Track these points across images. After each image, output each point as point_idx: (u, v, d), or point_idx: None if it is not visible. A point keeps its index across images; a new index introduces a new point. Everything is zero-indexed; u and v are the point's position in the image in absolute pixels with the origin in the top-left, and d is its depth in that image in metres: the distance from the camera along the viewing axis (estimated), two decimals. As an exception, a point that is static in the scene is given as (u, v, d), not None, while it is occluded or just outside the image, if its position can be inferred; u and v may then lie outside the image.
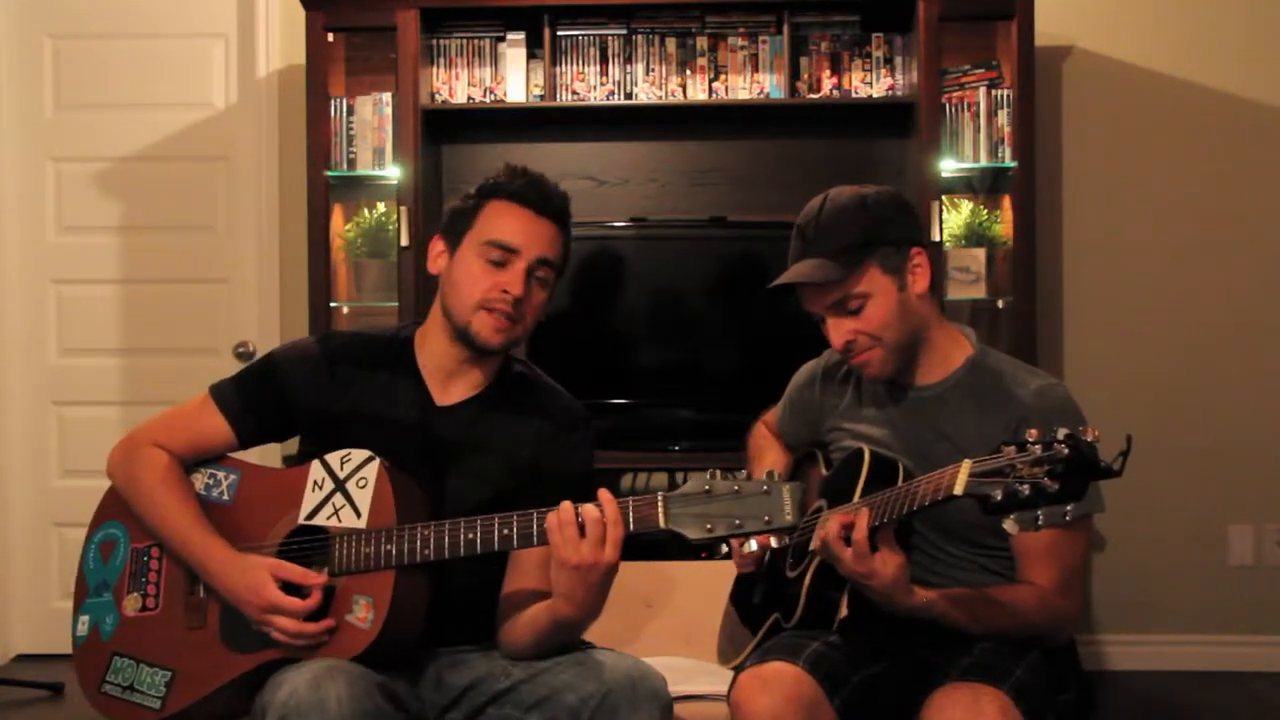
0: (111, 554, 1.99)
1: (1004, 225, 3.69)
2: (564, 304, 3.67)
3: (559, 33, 3.67)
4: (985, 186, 3.77)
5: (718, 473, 1.65)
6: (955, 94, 3.60)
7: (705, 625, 2.32)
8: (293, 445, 2.05)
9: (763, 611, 2.07)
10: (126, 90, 3.99)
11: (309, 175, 3.60)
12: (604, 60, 3.69)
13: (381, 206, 3.79)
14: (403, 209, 3.54)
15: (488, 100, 3.73)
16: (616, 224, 3.73)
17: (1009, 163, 3.56)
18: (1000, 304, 3.67)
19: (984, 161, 3.60)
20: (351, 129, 3.65)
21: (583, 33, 3.68)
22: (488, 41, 3.72)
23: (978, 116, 3.58)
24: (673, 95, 3.69)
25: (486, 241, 1.90)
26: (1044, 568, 1.84)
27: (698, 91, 3.69)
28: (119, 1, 3.99)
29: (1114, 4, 3.85)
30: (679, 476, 3.62)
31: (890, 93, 3.68)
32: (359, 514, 1.83)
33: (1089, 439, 1.46)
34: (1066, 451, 1.45)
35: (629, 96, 3.69)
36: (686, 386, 3.66)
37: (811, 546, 1.88)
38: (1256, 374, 3.84)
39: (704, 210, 3.80)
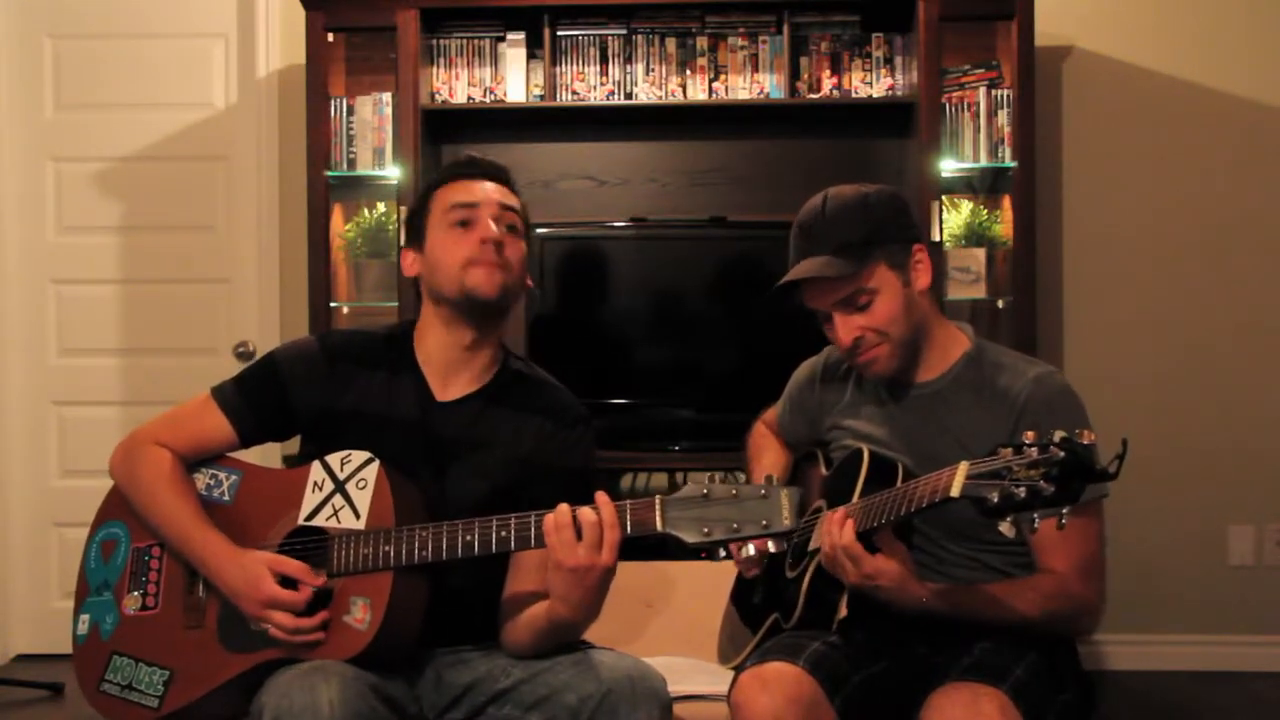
0: (113, 553, 2.00)
1: (1004, 225, 3.69)
2: (564, 304, 3.67)
3: (559, 33, 3.67)
4: (985, 186, 3.77)
5: (716, 476, 1.66)
6: (955, 94, 3.60)
7: (705, 625, 2.32)
8: (294, 445, 2.06)
9: (762, 612, 2.07)
10: (126, 90, 3.99)
11: (309, 175, 3.60)
12: (604, 60, 3.69)
13: (381, 206, 3.79)
14: (403, 209, 3.54)
15: (488, 100, 3.73)
16: (616, 224, 3.74)
17: (1009, 163, 3.56)
18: (1000, 304, 3.67)
19: (984, 161, 3.60)
20: (351, 129, 3.65)
21: (583, 33, 3.68)
22: (488, 41, 3.72)
23: (978, 116, 3.58)
24: (673, 95, 3.69)
25: (446, 211, 1.97)
26: (1060, 555, 1.84)
27: (698, 91, 3.69)
28: (119, 1, 3.99)
29: (1114, 4, 3.85)
30: (679, 476, 3.62)
31: (890, 93, 3.68)
32: (358, 515, 1.84)
33: (1085, 442, 1.46)
34: (1062, 454, 1.45)
35: (629, 96, 3.69)
36: (686, 386, 3.66)
37: (810, 547, 1.88)
38: (1257, 374, 3.84)
39: (704, 210, 3.80)
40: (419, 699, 1.88)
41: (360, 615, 1.78)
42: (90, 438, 3.88)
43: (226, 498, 1.96)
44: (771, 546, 1.64)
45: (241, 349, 3.92)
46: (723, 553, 1.69)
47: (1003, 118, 3.57)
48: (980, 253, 3.64)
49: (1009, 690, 1.70)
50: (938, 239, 3.49)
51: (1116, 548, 3.78)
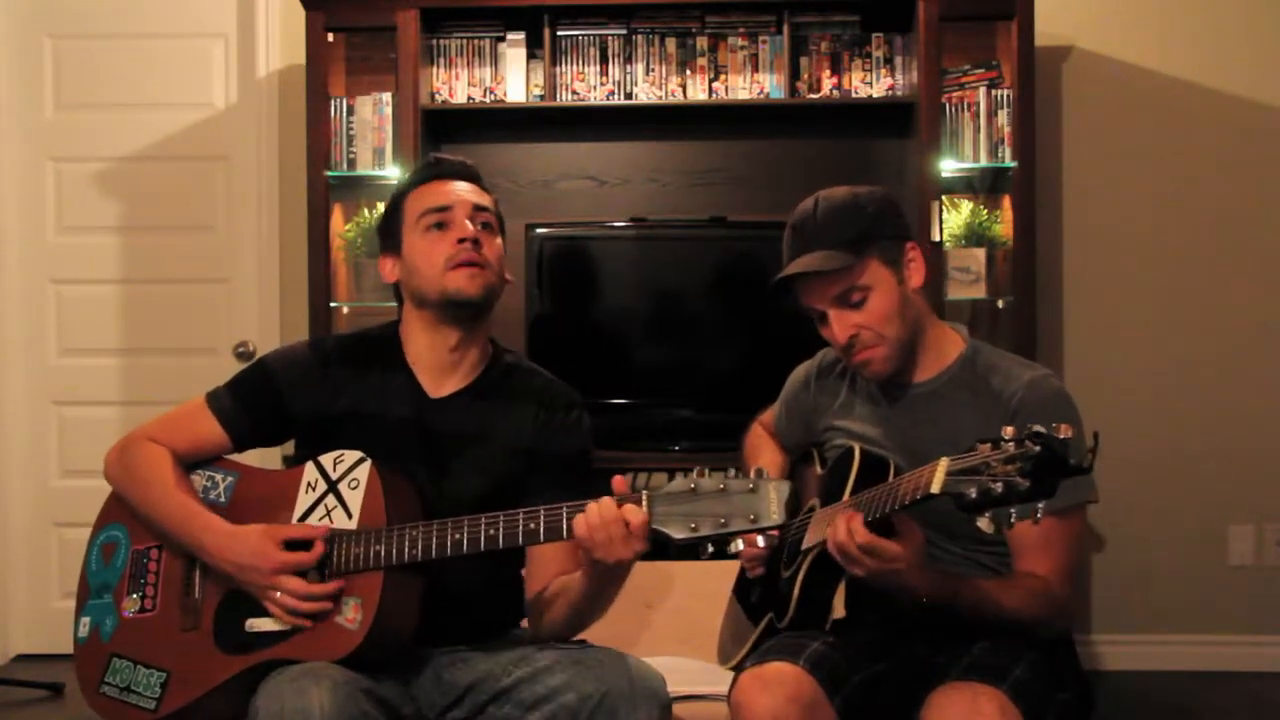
0: (113, 556, 2.00)
1: (1004, 225, 3.69)
2: (564, 304, 3.67)
3: (559, 33, 3.67)
4: (985, 186, 3.77)
5: (705, 470, 1.63)
6: (955, 94, 3.60)
7: (705, 625, 2.32)
8: (292, 446, 2.05)
9: (759, 611, 2.07)
10: (126, 90, 3.99)
11: (309, 175, 3.60)
12: (604, 60, 3.69)
13: (381, 206, 3.77)
14: (402, 209, 3.54)
15: (488, 100, 3.73)
16: (616, 224, 3.74)
17: (1009, 163, 3.56)
18: (1000, 304, 3.67)
19: (984, 161, 3.60)
20: (351, 129, 3.65)
21: (583, 33, 3.68)
22: (488, 41, 3.72)
23: (978, 116, 3.58)
24: (673, 95, 3.69)
25: (420, 216, 1.97)
26: (1042, 558, 1.84)
27: (698, 91, 3.69)
28: (119, 1, 3.99)
29: (1114, 4, 3.85)
30: (679, 477, 3.61)
31: (890, 93, 3.68)
32: (350, 515, 1.84)
33: (1061, 436, 1.45)
34: (1037, 449, 1.45)
35: (629, 96, 3.69)
36: (686, 386, 3.66)
37: (804, 546, 1.88)
38: (1257, 374, 3.83)
39: (704, 210, 3.80)
40: (415, 699, 1.88)
41: (352, 615, 1.78)
42: (90, 438, 3.87)
43: (223, 499, 1.96)
44: (761, 541, 1.61)
45: (241, 349, 3.92)
46: (709, 548, 1.66)
47: (1003, 118, 3.57)
48: (980, 253, 3.64)
49: (1008, 690, 1.70)
50: (938, 239, 3.49)
51: (1116, 548, 3.82)
